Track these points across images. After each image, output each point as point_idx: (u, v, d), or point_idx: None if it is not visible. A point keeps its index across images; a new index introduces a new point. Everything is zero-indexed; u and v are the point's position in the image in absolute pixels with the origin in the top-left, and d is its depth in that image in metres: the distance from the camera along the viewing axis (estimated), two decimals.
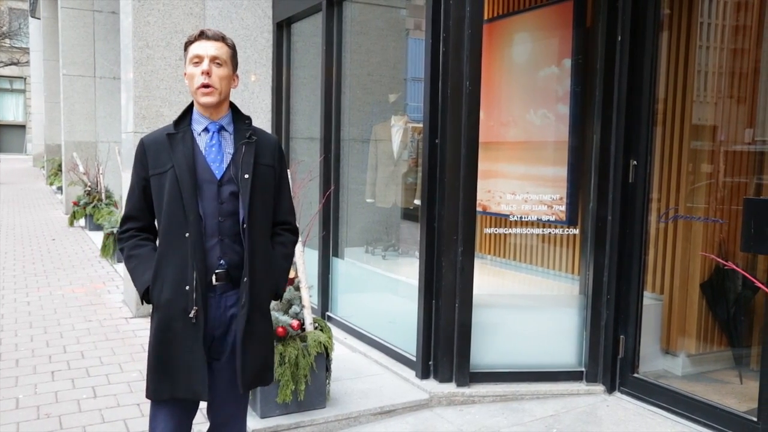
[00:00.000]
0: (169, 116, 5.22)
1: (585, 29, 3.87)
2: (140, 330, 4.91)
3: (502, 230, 4.34)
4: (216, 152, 2.13)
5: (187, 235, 2.04)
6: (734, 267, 2.33)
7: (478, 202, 3.66)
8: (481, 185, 3.69)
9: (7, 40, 29.43)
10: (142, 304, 2.26)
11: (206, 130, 2.14)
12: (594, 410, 3.47)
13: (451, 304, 3.60)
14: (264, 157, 2.17)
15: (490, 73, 4.13)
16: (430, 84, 3.61)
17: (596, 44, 3.68)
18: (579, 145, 3.90)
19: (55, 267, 7.31)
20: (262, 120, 5.59)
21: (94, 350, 4.44)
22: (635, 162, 3.58)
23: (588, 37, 3.82)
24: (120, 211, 7.55)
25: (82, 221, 10.46)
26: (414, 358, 3.79)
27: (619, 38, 3.58)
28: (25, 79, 31.92)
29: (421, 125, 3.92)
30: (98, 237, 8.75)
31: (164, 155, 2.09)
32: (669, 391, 3.45)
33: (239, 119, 2.20)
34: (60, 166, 14.71)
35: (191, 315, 2.04)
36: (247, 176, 2.10)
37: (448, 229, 3.58)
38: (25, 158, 29.81)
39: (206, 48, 2.08)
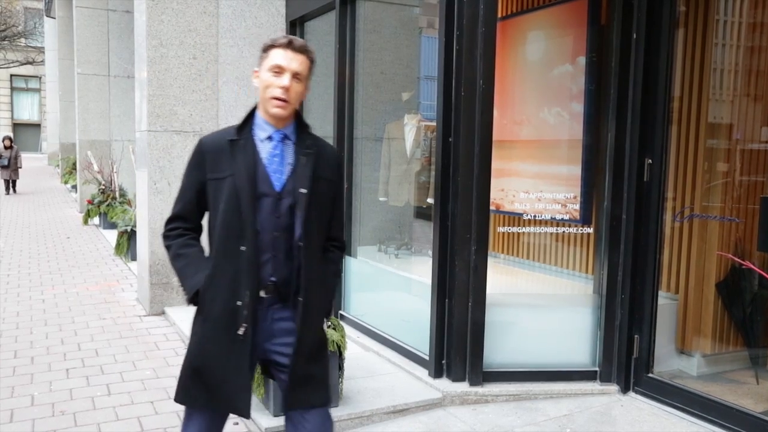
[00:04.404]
0: (182, 115, 5.25)
1: (600, 27, 3.84)
2: (153, 328, 4.94)
3: (515, 229, 4.32)
4: (278, 163, 2.05)
5: (242, 248, 1.98)
6: (752, 266, 2.31)
7: (491, 200, 3.64)
8: (495, 184, 3.68)
9: (23, 40, 29.74)
10: (188, 305, 2.15)
11: (270, 138, 2.06)
12: (608, 410, 3.45)
13: (464, 303, 3.59)
14: (324, 170, 2.09)
15: (503, 71, 4.11)
16: (444, 82, 3.60)
17: (611, 42, 3.65)
18: (593, 143, 3.87)
19: (69, 265, 7.38)
20: None
21: (108, 348, 4.47)
22: (650, 160, 3.55)
23: (603, 34, 3.79)
24: (134, 209, 7.60)
25: (96, 219, 10.55)
26: (427, 357, 3.78)
27: (634, 36, 3.55)
28: (40, 78, 32.25)
29: (434, 124, 3.91)
30: (112, 235, 8.81)
31: (224, 161, 2.02)
32: (684, 392, 3.42)
33: (302, 128, 2.11)
34: (74, 164, 14.83)
35: (240, 332, 1.99)
36: (304, 191, 2.02)
37: (461, 227, 3.57)
38: (40, 157, 30.12)
39: (290, 61, 1.98)
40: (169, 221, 2.16)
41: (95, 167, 10.73)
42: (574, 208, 3.89)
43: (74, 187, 14.92)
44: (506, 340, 3.73)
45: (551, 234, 4.38)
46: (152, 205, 5.23)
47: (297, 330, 2.04)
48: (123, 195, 10.12)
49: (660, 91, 3.51)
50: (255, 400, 3.28)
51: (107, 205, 9.94)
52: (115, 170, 10.26)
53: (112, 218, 9.35)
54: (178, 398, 2.12)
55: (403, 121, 4.96)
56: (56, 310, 5.42)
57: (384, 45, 5.30)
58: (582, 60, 3.89)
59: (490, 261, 3.64)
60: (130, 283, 6.47)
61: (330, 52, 4.98)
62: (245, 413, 2.06)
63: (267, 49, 2.02)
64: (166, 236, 2.15)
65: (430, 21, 5.22)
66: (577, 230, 4.00)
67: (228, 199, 2.00)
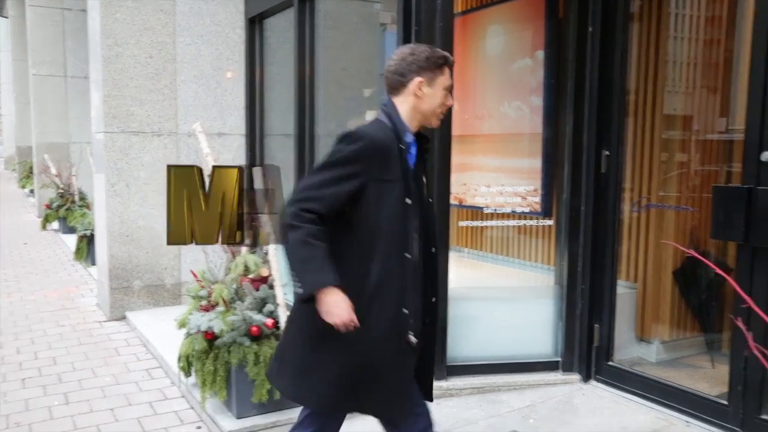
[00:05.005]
0: (140, 115, 5.14)
1: (557, 20, 3.87)
2: (114, 333, 4.83)
3: (477, 223, 4.34)
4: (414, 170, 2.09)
5: (407, 255, 1.98)
6: (694, 254, 2.36)
7: (453, 195, 3.65)
8: (457, 178, 3.69)
9: None
10: (302, 301, 1.97)
11: (409, 145, 2.06)
12: (570, 399, 3.49)
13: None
14: None
15: (463, 65, 4.12)
16: None
17: (568, 35, 3.68)
18: (553, 136, 3.90)
19: (26, 272, 7.18)
20: (236, 117, 5.53)
21: (66, 356, 4.35)
22: (607, 152, 3.60)
23: (560, 28, 3.83)
24: (93, 213, 7.42)
25: (55, 224, 10.27)
26: None
27: (590, 29, 3.58)
28: None
29: None
30: (71, 240, 8.58)
31: (394, 163, 1.97)
32: (643, 378, 3.49)
33: (422, 136, 2.14)
34: (32, 168, 14.44)
35: (413, 340, 2.01)
36: (431, 200, 2.14)
37: None
38: None
39: None
40: (304, 200, 1.93)
41: (53, 171, 10.44)
42: (535, 200, 3.93)
43: (32, 191, 14.52)
44: (470, 334, 3.75)
45: (513, 227, 4.41)
46: (110, 208, 5.10)
47: (431, 327, 2.16)
48: (83, 198, 9.86)
49: (616, 84, 3.56)
50: (218, 403, 3.23)
51: (66, 209, 9.68)
52: (73, 173, 10.01)
53: (71, 222, 9.12)
54: (329, 407, 2.10)
55: (365, 117, 4.94)
56: (12, 319, 5.25)
57: (345, 41, 5.26)
58: (541, 54, 3.92)
59: (453, 255, 3.66)
60: (90, 288, 6.32)
61: (290, 49, 4.93)
62: (401, 417, 2.10)
63: (441, 65, 2.04)
64: (298, 214, 1.91)
65: (394, 17, 5.20)
66: (538, 222, 4.04)
67: (394, 204, 1.95)
